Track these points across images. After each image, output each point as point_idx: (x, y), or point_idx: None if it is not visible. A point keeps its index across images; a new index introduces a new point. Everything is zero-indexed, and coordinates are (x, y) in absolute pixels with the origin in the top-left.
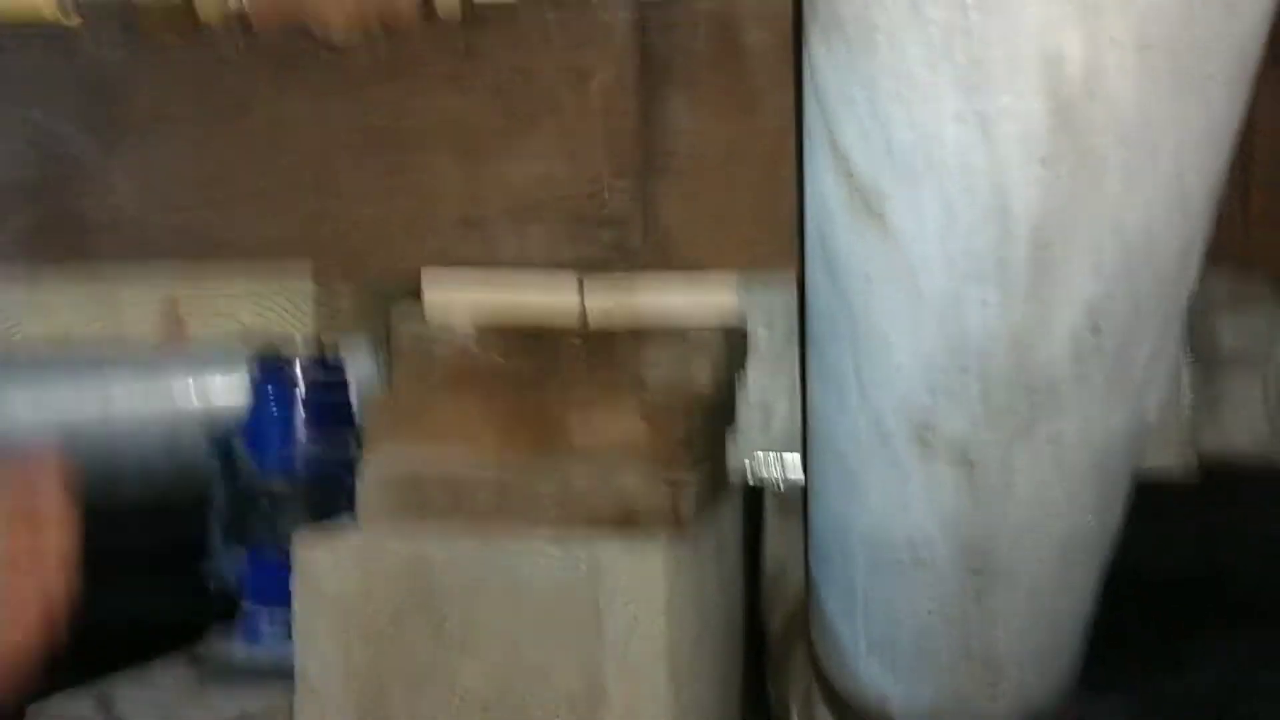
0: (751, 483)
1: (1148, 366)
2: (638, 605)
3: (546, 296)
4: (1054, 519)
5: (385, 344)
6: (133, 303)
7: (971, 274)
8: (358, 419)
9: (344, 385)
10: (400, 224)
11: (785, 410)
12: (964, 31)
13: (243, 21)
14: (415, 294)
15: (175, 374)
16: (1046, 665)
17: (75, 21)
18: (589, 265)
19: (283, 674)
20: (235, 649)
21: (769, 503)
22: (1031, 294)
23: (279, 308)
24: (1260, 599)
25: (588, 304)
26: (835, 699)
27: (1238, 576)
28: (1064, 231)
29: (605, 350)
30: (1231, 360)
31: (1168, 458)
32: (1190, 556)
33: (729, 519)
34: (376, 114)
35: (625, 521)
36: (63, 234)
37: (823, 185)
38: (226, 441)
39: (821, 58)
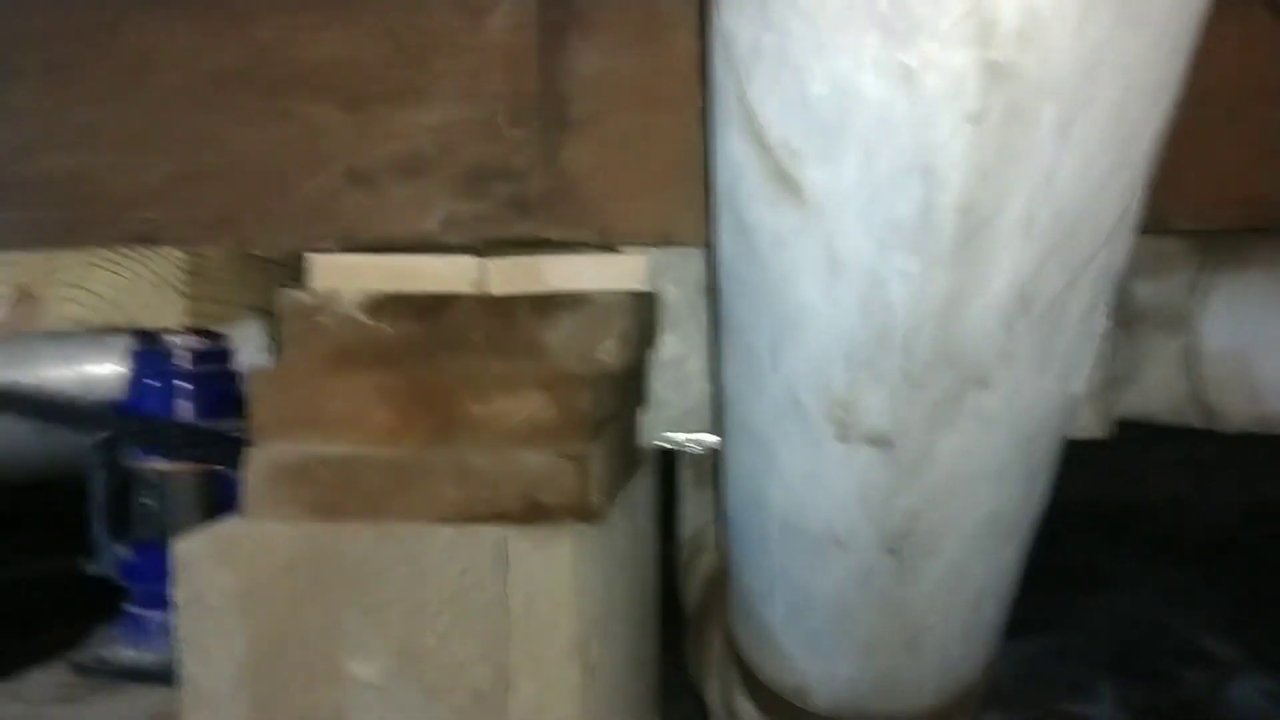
0: (665, 447)
1: (1078, 337)
2: (545, 597)
3: (441, 260)
4: (978, 496)
5: (267, 315)
6: None
7: (892, 241)
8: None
9: (229, 362)
10: (281, 177)
11: (697, 369)
12: None
13: None
14: (299, 259)
15: (44, 355)
16: (971, 639)
17: None
18: (485, 223)
19: (171, 678)
20: (120, 653)
21: (682, 469)
22: (957, 262)
23: (143, 277)
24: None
25: (487, 268)
26: (753, 679)
27: (1151, 515)
28: (993, 194)
29: (505, 317)
30: (1148, 320)
31: (1085, 420)
32: (1104, 495)
33: (641, 490)
34: (257, 52)
35: (530, 506)
36: None
37: (730, 143)
38: (102, 428)
39: (729, 4)
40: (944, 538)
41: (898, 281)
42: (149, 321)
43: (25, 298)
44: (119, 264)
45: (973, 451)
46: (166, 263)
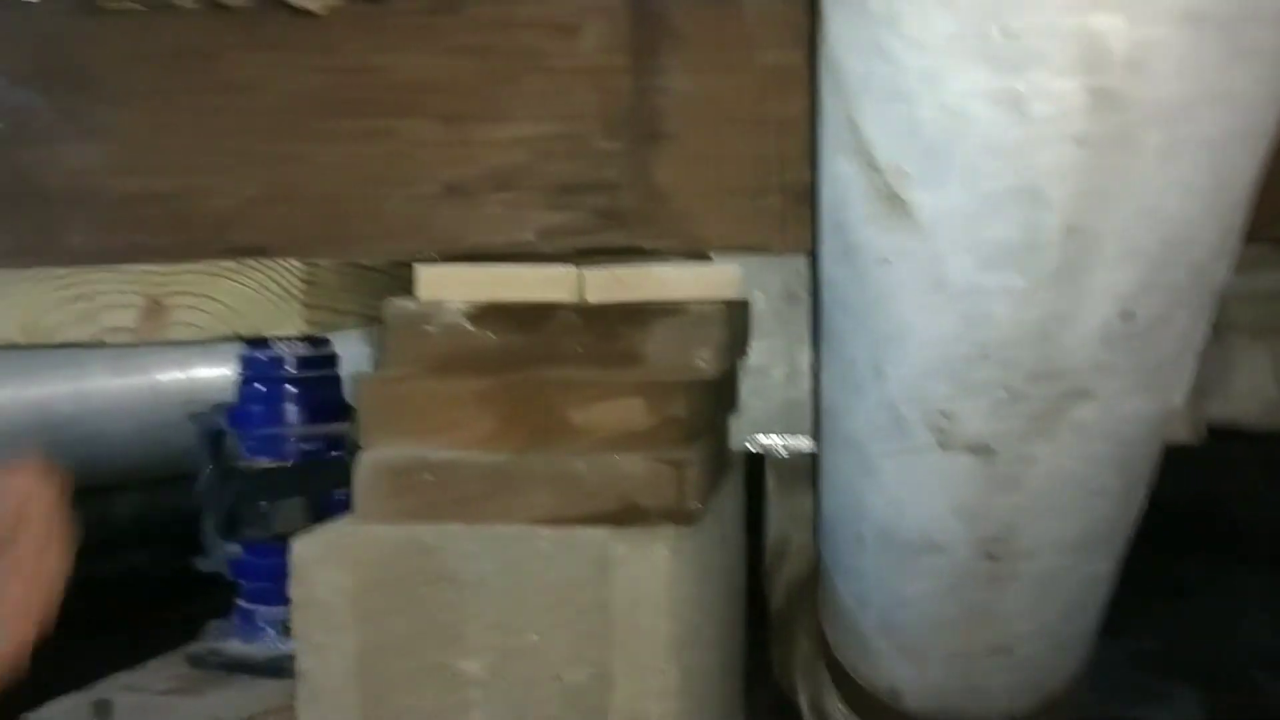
0: (752, 450)
1: (1177, 352)
2: (645, 599)
3: (540, 270)
4: (1074, 506)
5: (377, 323)
6: (106, 288)
7: (997, 260)
8: (350, 402)
9: (334, 367)
10: (378, 191)
11: (781, 375)
12: (997, 5)
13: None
14: (405, 269)
15: (158, 361)
16: (1062, 649)
17: None
18: (579, 233)
19: (280, 672)
20: (230, 646)
21: (770, 472)
22: (1061, 281)
23: (265, 287)
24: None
25: (585, 278)
26: (846, 681)
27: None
28: (1098, 216)
29: (603, 326)
30: (1238, 327)
31: (1175, 427)
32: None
33: (731, 494)
34: (346, 73)
35: (628, 510)
36: (20, 204)
37: (838, 165)
38: (215, 430)
39: (839, 31)
40: (1039, 547)
41: (1001, 299)
42: (270, 329)
43: (155, 307)
44: (242, 275)
45: (1070, 462)
46: (286, 273)
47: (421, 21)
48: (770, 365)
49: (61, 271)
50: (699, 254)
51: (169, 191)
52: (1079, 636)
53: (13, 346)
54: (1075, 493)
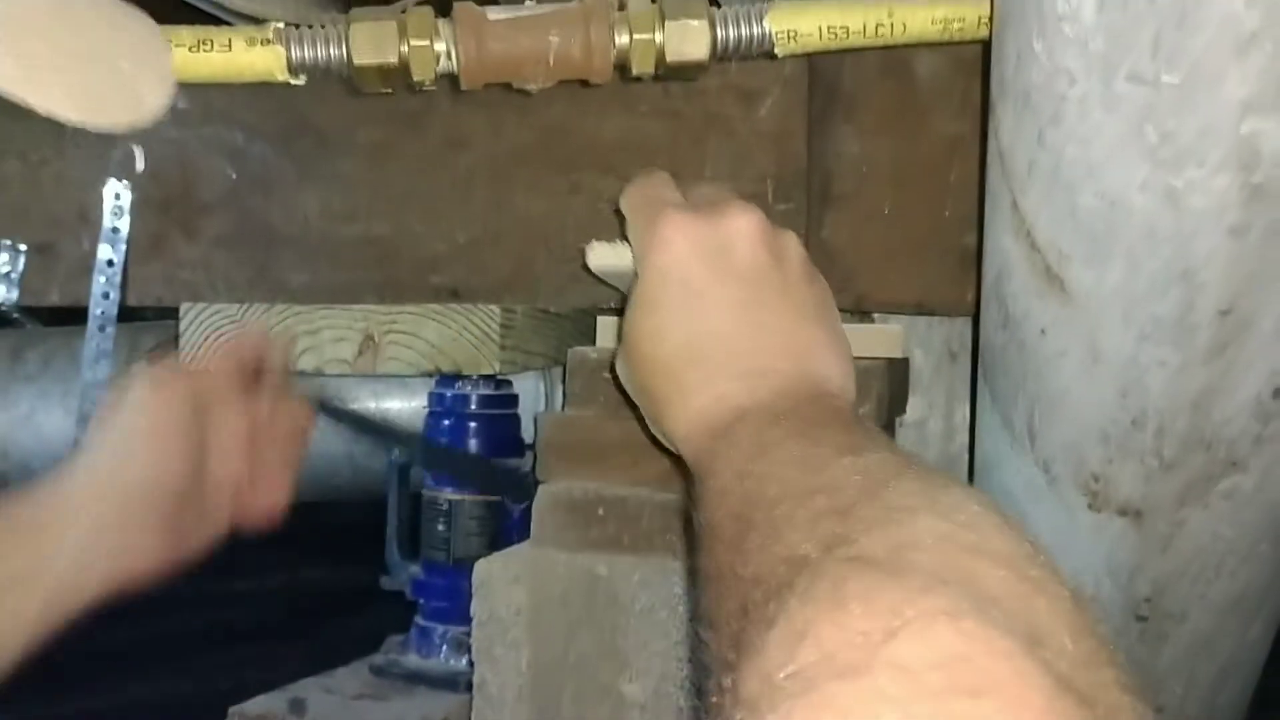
0: None
1: None
2: None
3: None
4: (1227, 571)
5: (558, 365)
6: (330, 323)
7: (1152, 336)
8: (526, 439)
9: (514, 406)
10: (571, 240)
11: (937, 431)
12: (1156, 107)
13: (451, 79)
14: (586, 313)
15: (358, 394)
16: (1214, 713)
17: (301, 81)
18: None
19: (454, 686)
20: (409, 659)
21: None
22: (1214, 358)
23: (466, 329)
24: None
25: None
26: None
27: None
28: (1250, 298)
29: None
30: None
31: None
32: None
33: None
34: (549, 132)
35: None
36: (253, 245)
37: (1001, 240)
38: (404, 460)
39: (1007, 122)
40: (1190, 609)
41: (1155, 372)
42: (469, 368)
43: (369, 343)
44: (447, 317)
45: (1223, 529)
46: (486, 317)
47: (620, 88)
48: (928, 420)
49: (299, 307)
50: (865, 311)
51: (383, 236)
52: (1232, 703)
53: None
54: (1227, 558)
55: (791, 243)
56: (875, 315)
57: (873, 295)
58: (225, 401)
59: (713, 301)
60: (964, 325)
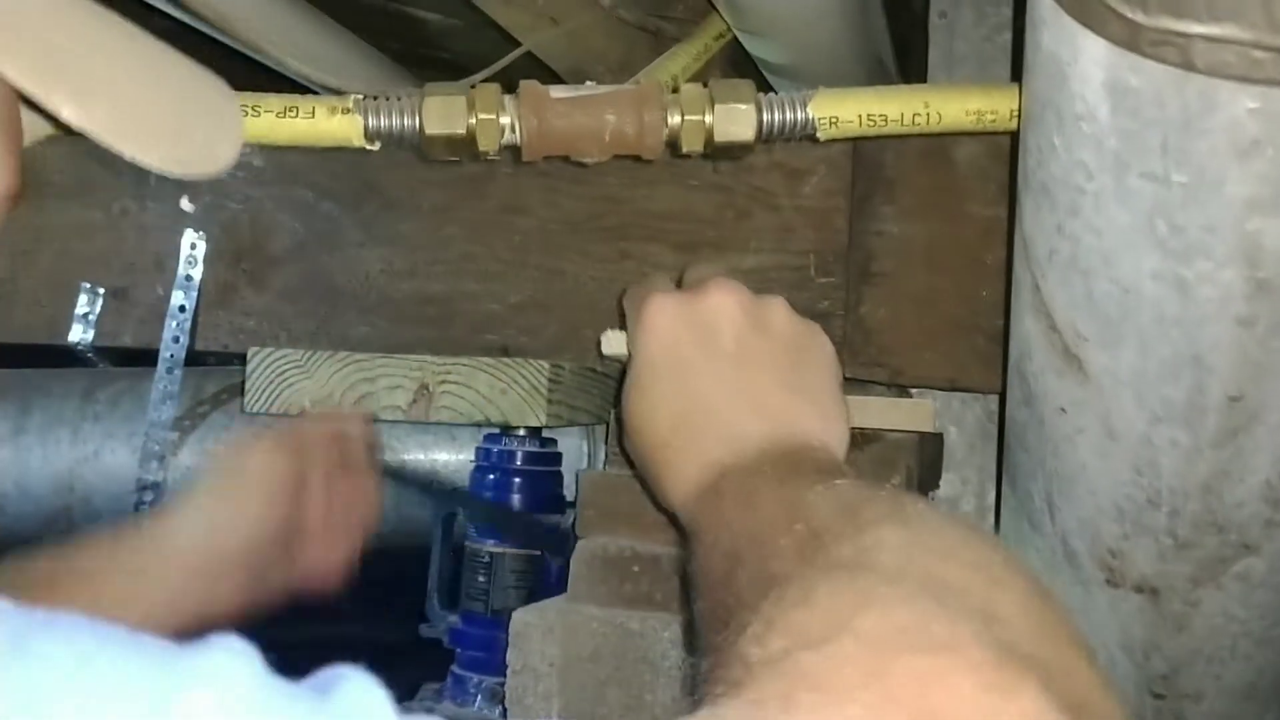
0: None
1: None
2: None
3: None
4: (1241, 653)
5: (602, 423)
6: (388, 372)
7: (1164, 418)
8: (569, 496)
9: (558, 464)
10: (615, 307)
11: (971, 508)
12: (1166, 203)
13: (513, 151)
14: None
15: (406, 444)
16: None
17: (376, 147)
18: None
19: None
20: (445, 708)
21: None
22: (1224, 441)
23: (516, 382)
24: None
25: None
26: None
27: None
28: (1258, 386)
29: None
30: None
31: None
32: None
33: None
34: (602, 202)
35: None
36: (317, 298)
37: (1024, 321)
38: (449, 512)
39: (1029, 211)
40: (1206, 690)
41: (1168, 453)
42: (516, 420)
43: (423, 392)
44: (498, 370)
45: (1238, 610)
46: (535, 372)
47: (671, 162)
48: (961, 497)
49: (359, 355)
50: (899, 385)
51: (442, 295)
52: None
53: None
54: (1242, 640)
55: (776, 311)
56: (912, 390)
57: (908, 371)
58: (317, 473)
59: (697, 377)
60: (998, 404)
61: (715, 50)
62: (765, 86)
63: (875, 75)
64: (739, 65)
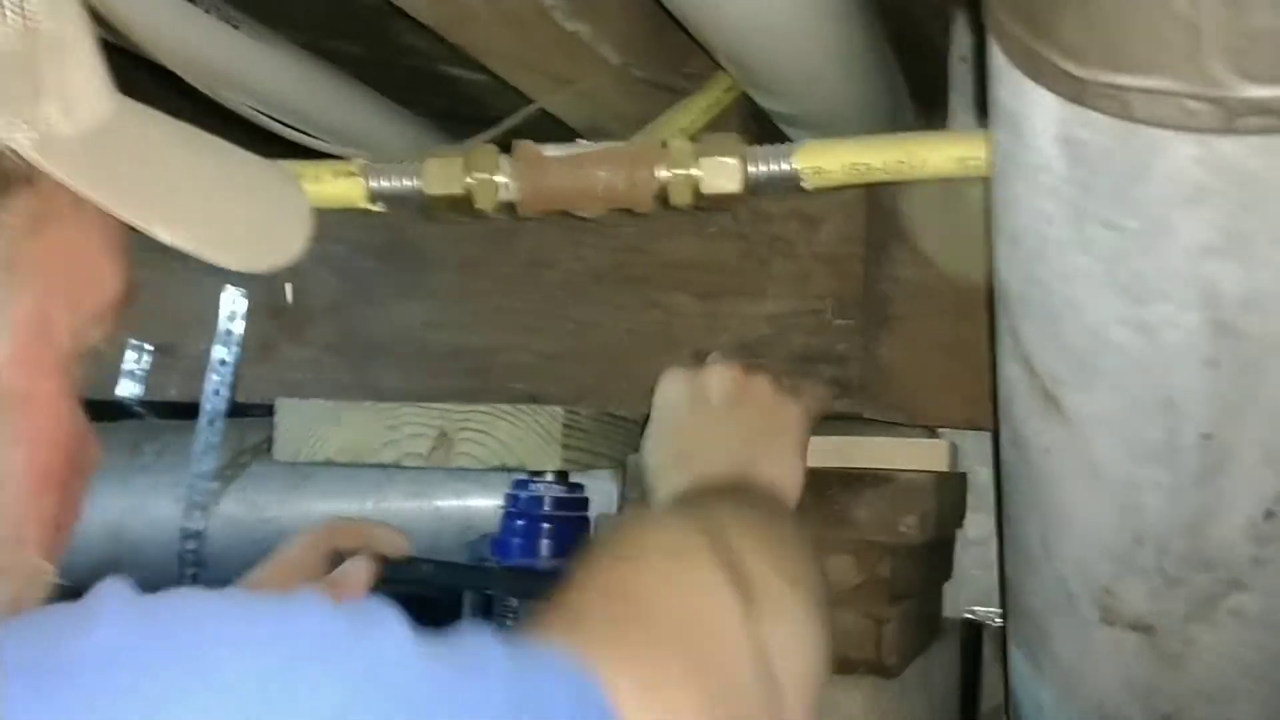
0: (969, 619)
1: None
2: None
3: None
4: (1241, 690)
5: (622, 468)
6: (410, 420)
7: (1145, 457)
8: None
9: (585, 509)
10: (641, 354)
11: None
12: (1123, 249)
13: (511, 208)
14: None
15: (439, 490)
16: None
17: (380, 208)
18: None
19: None
20: None
21: (987, 641)
22: (1204, 480)
23: (532, 428)
24: None
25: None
26: None
27: None
28: (1231, 425)
29: (818, 489)
30: None
31: None
32: None
33: (941, 658)
34: (626, 252)
35: (837, 660)
36: (353, 352)
37: (1007, 368)
38: (480, 555)
39: (1003, 258)
40: None
41: (1151, 492)
42: (533, 464)
43: (443, 439)
44: (515, 416)
45: (1233, 647)
46: (550, 418)
47: (691, 212)
48: (989, 539)
49: (384, 404)
50: (917, 425)
51: (471, 346)
52: None
53: (329, 464)
54: (1240, 677)
55: (760, 385)
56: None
57: (926, 412)
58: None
59: (688, 428)
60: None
61: (727, 102)
62: (780, 135)
63: (888, 121)
64: (758, 116)
